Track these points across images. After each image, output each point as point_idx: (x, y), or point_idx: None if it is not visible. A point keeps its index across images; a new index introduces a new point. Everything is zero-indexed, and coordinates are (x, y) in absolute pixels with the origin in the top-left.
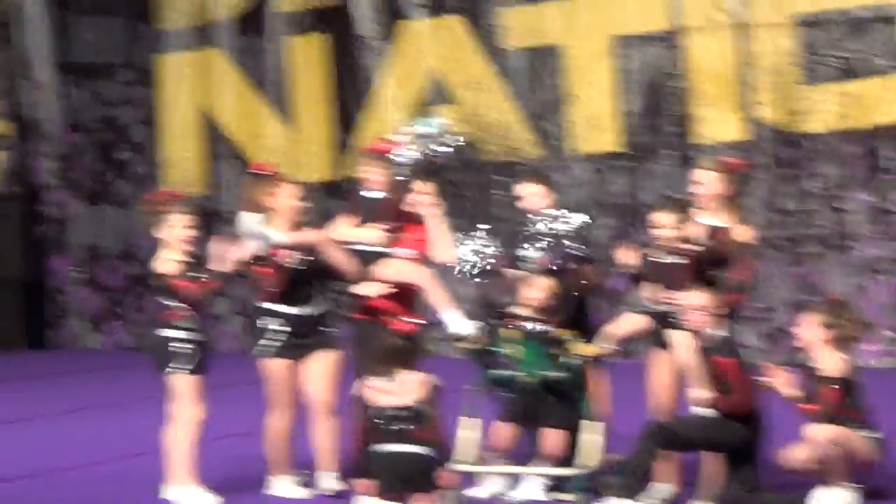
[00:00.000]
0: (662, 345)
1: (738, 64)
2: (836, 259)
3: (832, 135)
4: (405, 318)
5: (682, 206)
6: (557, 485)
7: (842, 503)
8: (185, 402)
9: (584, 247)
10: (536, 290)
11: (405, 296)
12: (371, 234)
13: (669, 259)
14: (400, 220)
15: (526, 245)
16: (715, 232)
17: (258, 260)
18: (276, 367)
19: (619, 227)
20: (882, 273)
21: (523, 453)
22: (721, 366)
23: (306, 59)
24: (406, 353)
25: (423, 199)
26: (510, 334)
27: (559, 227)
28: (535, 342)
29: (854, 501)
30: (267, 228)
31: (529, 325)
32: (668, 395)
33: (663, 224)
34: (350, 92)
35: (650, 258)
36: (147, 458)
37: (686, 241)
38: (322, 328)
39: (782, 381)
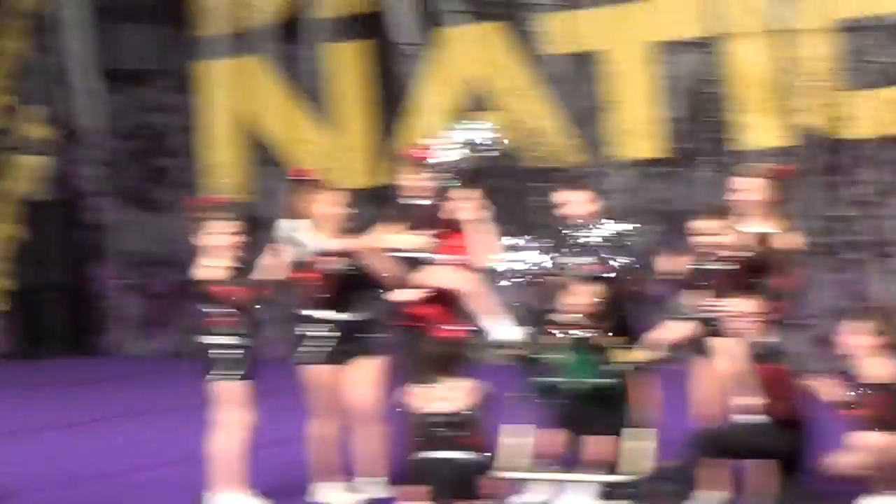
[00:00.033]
0: (706, 352)
1: (779, 70)
2: (877, 266)
3: (874, 141)
4: (449, 326)
5: (724, 212)
6: (604, 492)
7: None
8: (232, 408)
9: (627, 254)
10: (581, 297)
11: (449, 302)
12: (413, 241)
13: (714, 266)
14: (442, 226)
15: (570, 252)
16: (762, 238)
17: (299, 267)
18: (318, 374)
19: (661, 233)
20: None
21: (570, 460)
22: (768, 373)
23: (346, 66)
24: (450, 361)
25: (465, 204)
26: (556, 341)
27: (602, 234)
28: (580, 349)
29: None
30: (307, 235)
31: (575, 332)
32: (711, 402)
33: (705, 231)
34: (390, 98)
35: (694, 265)
36: (191, 465)
37: (730, 247)
38: (364, 334)
39: (828, 388)
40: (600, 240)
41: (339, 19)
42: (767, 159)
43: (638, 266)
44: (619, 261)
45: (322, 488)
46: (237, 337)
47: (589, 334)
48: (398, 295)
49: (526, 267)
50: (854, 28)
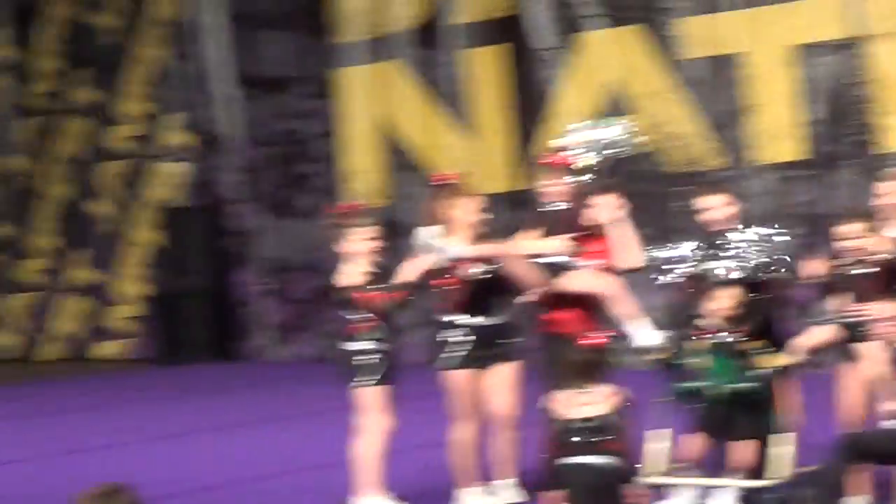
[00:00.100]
0: (851, 356)
1: None
2: None
3: None
4: (590, 331)
5: (867, 216)
6: (748, 497)
7: None
8: (372, 413)
9: (769, 258)
10: (724, 301)
11: (590, 307)
12: (555, 246)
13: (858, 270)
14: (582, 230)
15: (712, 256)
16: None
17: (439, 273)
18: (459, 379)
19: (803, 237)
20: None
21: (713, 465)
22: None
23: (484, 71)
24: (593, 367)
25: (604, 207)
26: (698, 345)
27: (744, 238)
28: (723, 353)
29: None
30: (445, 241)
31: (717, 336)
32: (857, 407)
33: (849, 234)
34: (528, 103)
35: (838, 269)
36: (331, 470)
37: (873, 251)
38: (504, 339)
39: None
40: (742, 244)
41: (476, 24)
42: None
43: (780, 270)
44: (761, 265)
45: (464, 493)
46: (377, 342)
47: (730, 339)
48: (536, 299)
49: (668, 271)
50: None
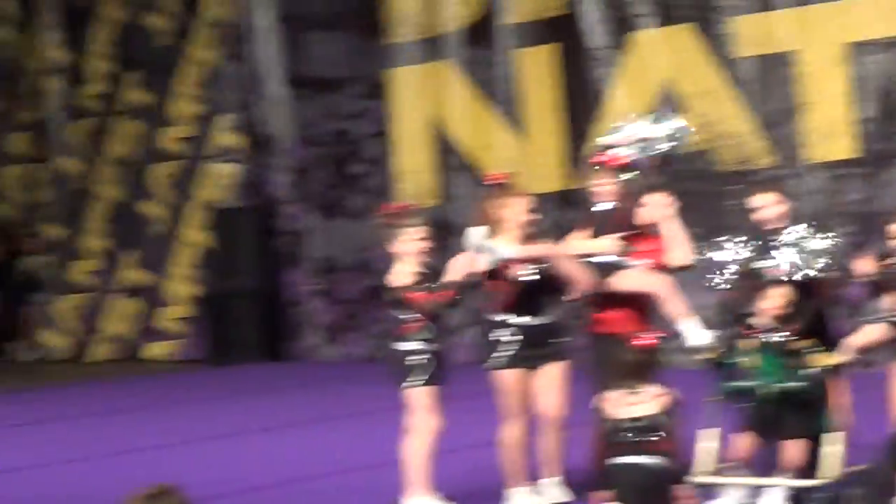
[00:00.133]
0: None
1: None
2: None
3: None
4: (641, 331)
5: None
6: (798, 497)
7: None
8: (421, 413)
9: (821, 257)
10: (775, 300)
11: (640, 306)
12: (606, 246)
13: None
14: (633, 229)
15: (763, 255)
16: None
17: (490, 273)
18: (509, 378)
19: (855, 236)
20: None
21: (763, 465)
22: None
23: (536, 70)
24: (644, 368)
25: (655, 205)
26: (749, 344)
27: (796, 236)
28: (773, 352)
29: None
30: (496, 243)
31: (768, 335)
32: None
33: None
34: (580, 102)
35: (889, 267)
36: (384, 470)
37: None
38: (554, 339)
39: None
40: (794, 243)
41: (527, 24)
42: None
43: (832, 269)
44: (812, 264)
45: (514, 492)
46: (427, 342)
47: (781, 338)
48: (584, 297)
49: (719, 270)
50: None
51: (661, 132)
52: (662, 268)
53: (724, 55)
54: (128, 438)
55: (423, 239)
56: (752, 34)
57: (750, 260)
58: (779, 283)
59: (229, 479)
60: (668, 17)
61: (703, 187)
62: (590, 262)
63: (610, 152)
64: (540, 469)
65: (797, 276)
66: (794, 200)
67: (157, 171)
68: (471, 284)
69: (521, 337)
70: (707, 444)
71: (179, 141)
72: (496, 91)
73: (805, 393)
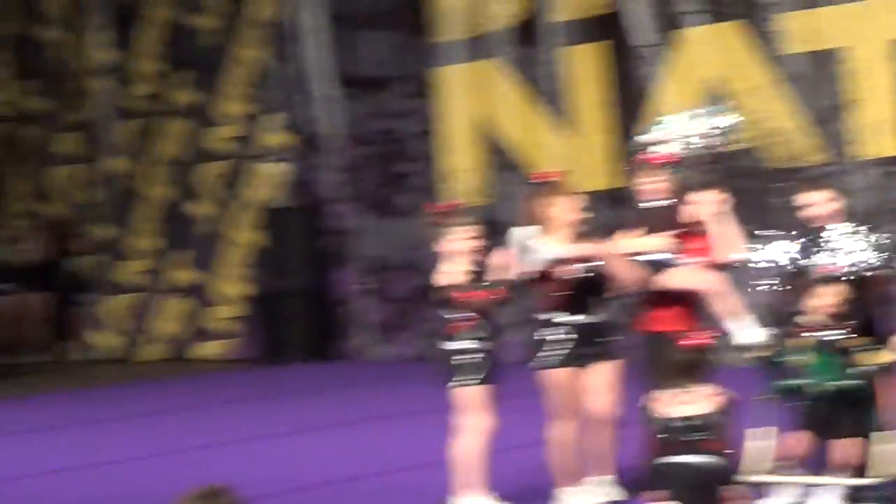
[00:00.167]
0: None
1: None
2: None
3: None
4: (692, 330)
5: None
6: (852, 495)
7: None
8: (472, 412)
9: (872, 254)
10: (826, 299)
11: (691, 304)
12: (656, 243)
13: None
14: (683, 227)
15: (814, 253)
16: None
17: (538, 274)
18: (558, 377)
19: None
20: None
21: (816, 463)
22: None
23: (583, 68)
24: (695, 367)
25: (705, 202)
26: (800, 343)
27: (847, 234)
28: (825, 350)
29: None
30: (542, 243)
31: (820, 334)
32: None
33: None
34: (627, 100)
35: None
36: (433, 470)
37: None
38: (603, 337)
39: None
40: (844, 240)
41: (575, 22)
42: None
43: (883, 266)
44: (864, 261)
45: (564, 492)
46: (478, 341)
47: (834, 336)
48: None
49: (770, 268)
50: None
51: (708, 128)
52: (713, 265)
53: (773, 52)
54: (178, 438)
55: (472, 238)
56: (801, 30)
57: (800, 258)
58: (831, 280)
59: (279, 479)
60: (716, 13)
61: (753, 185)
62: (640, 260)
63: (656, 149)
64: (590, 468)
65: (850, 274)
66: (845, 197)
67: (206, 171)
68: (521, 283)
69: (571, 336)
70: (758, 443)
71: (228, 140)
72: (544, 89)
73: (858, 391)
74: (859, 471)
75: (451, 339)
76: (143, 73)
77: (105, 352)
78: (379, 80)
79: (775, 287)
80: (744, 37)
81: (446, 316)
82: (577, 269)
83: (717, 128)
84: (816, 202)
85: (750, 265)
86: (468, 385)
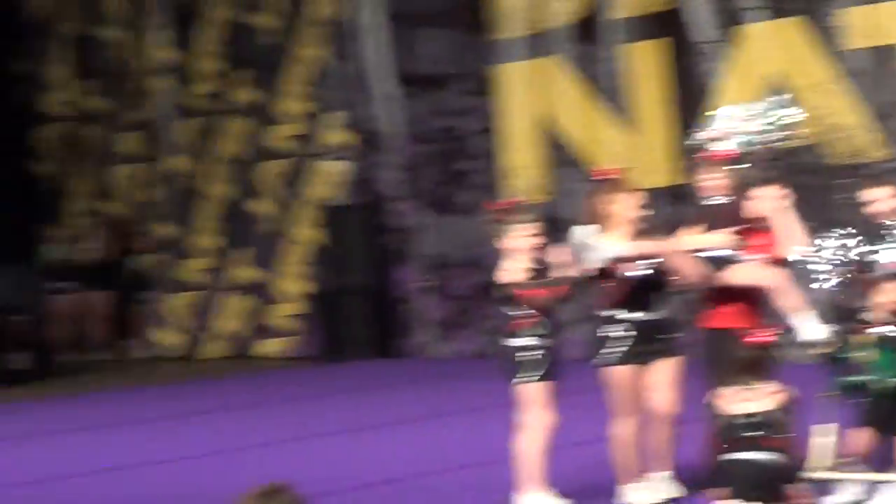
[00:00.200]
0: None
1: None
2: None
3: None
4: (754, 326)
5: None
6: None
7: None
8: (534, 409)
9: None
10: (890, 295)
11: (754, 301)
12: (719, 240)
13: None
14: (745, 223)
15: (878, 249)
16: None
17: (601, 270)
18: (620, 374)
19: None
20: None
21: (880, 460)
22: None
23: (644, 65)
24: (759, 364)
25: (767, 198)
26: (864, 339)
27: None
28: (889, 347)
29: None
30: (602, 241)
31: (883, 330)
32: None
33: None
34: (688, 97)
35: None
36: (495, 467)
37: None
38: (664, 334)
39: None
40: None
41: (635, 18)
42: None
43: None
44: None
45: (627, 490)
46: (539, 338)
47: None
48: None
49: (834, 264)
50: None
51: (768, 123)
52: (776, 261)
53: (834, 48)
54: (240, 436)
55: (533, 235)
56: (862, 26)
57: (864, 254)
58: (893, 277)
59: (341, 477)
60: (777, 10)
61: (815, 181)
62: (702, 256)
63: (717, 146)
64: (651, 465)
65: None
66: None
67: (267, 170)
68: (583, 280)
69: (632, 333)
70: (822, 440)
71: (288, 139)
72: (605, 86)
73: None
74: None
75: (512, 336)
76: (204, 72)
77: (167, 350)
78: (438, 78)
79: (837, 283)
80: (805, 33)
81: (507, 313)
82: (638, 266)
83: (776, 123)
84: (879, 198)
85: (813, 261)
86: (530, 382)
